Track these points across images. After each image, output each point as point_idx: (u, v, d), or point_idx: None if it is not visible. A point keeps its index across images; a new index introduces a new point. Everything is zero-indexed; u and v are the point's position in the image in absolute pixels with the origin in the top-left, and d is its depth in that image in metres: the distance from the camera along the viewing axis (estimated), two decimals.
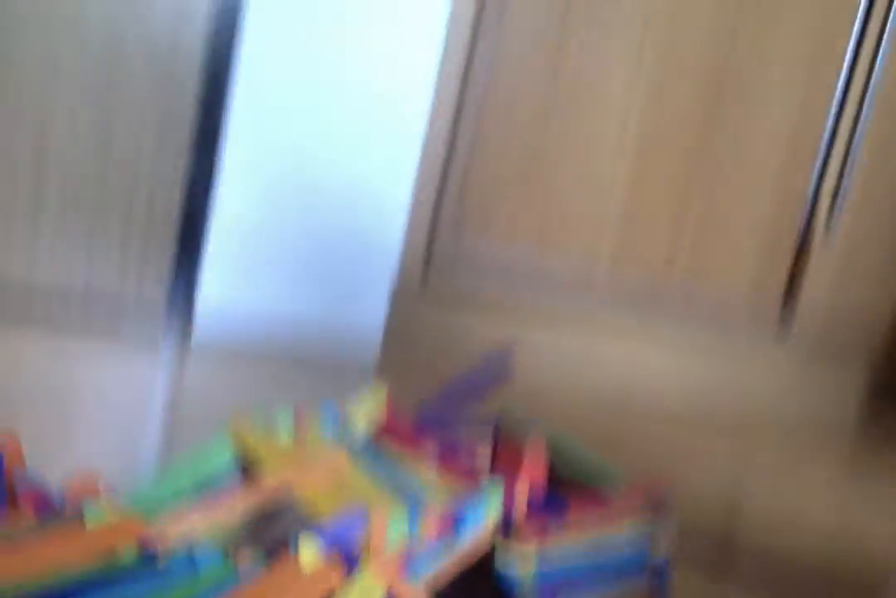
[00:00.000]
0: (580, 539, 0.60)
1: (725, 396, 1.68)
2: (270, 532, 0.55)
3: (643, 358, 1.62)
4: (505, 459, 0.71)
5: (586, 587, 0.60)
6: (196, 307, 1.23)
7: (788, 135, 1.66)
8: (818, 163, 1.69)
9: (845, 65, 1.66)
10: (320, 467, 0.59)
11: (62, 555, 0.44)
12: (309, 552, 0.50)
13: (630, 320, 1.60)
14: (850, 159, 1.72)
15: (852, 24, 1.64)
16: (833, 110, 1.68)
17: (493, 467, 0.70)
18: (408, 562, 0.53)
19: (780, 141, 1.66)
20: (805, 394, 1.77)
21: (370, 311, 1.36)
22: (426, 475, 0.60)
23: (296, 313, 1.30)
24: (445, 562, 0.55)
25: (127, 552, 0.47)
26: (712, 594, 0.78)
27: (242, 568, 0.48)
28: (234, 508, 0.56)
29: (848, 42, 1.64)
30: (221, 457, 0.61)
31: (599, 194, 1.54)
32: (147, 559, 0.46)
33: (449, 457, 0.63)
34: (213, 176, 1.23)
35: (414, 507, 0.55)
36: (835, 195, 1.72)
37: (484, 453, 0.71)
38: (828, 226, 1.72)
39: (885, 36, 1.65)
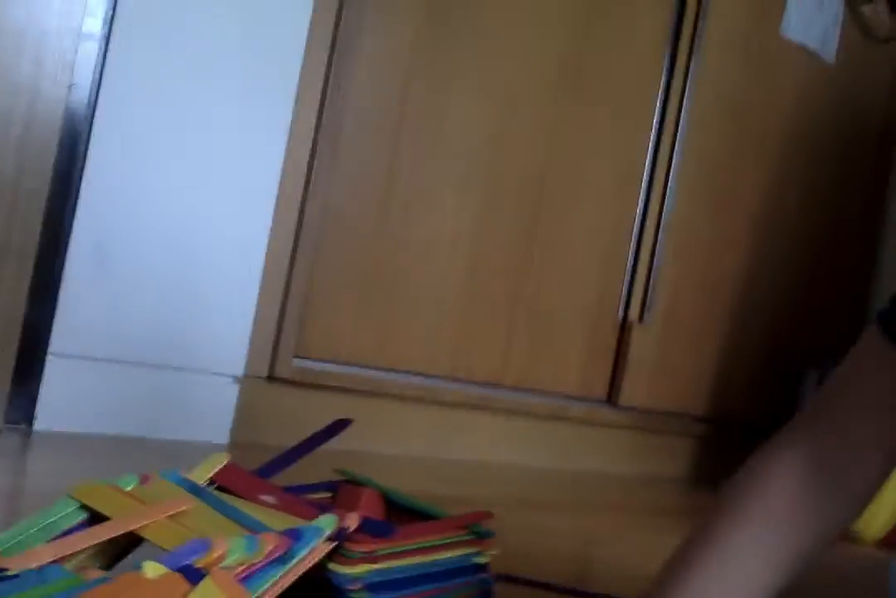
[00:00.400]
0: (409, 547, 0.67)
1: (563, 461, 1.79)
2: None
3: (484, 431, 1.71)
4: (343, 500, 0.79)
5: (416, 587, 0.68)
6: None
7: (601, 247, 1.88)
8: (629, 264, 1.91)
9: (643, 184, 1.91)
10: (165, 508, 0.65)
11: None
12: (152, 568, 0.56)
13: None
14: (654, 268, 1.95)
15: (648, 147, 1.89)
16: (637, 227, 1.91)
17: (334, 506, 0.78)
18: (249, 576, 0.59)
19: (593, 252, 1.87)
20: (638, 458, 1.91)
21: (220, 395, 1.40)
22: (262, 513, 0.67)
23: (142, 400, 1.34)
24: (285, 572, 0.61)
25: None
26: None
27: (90, 581, 0.53)
28: (84, 543, 0.61)
29: (646, 158, 1.90)
30: (65, 507, 0.66)
31: (434, 313, 1.67)
32: None
33: (286, 502, 0.70)
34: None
35: (253, 535, 0.61)
36: (646, 288, 1.93)
37: (324, 496, 0.78)
38: (642, 313, 1.92)
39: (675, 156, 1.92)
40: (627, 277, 1.93)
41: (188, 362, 1.38)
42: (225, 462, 0.75)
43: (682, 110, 1.95)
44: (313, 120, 1.50)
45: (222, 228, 1.42)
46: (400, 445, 1.61)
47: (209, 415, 1.39)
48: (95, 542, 0.62)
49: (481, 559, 0.74)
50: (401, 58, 1.61)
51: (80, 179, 1.33)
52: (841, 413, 0.64)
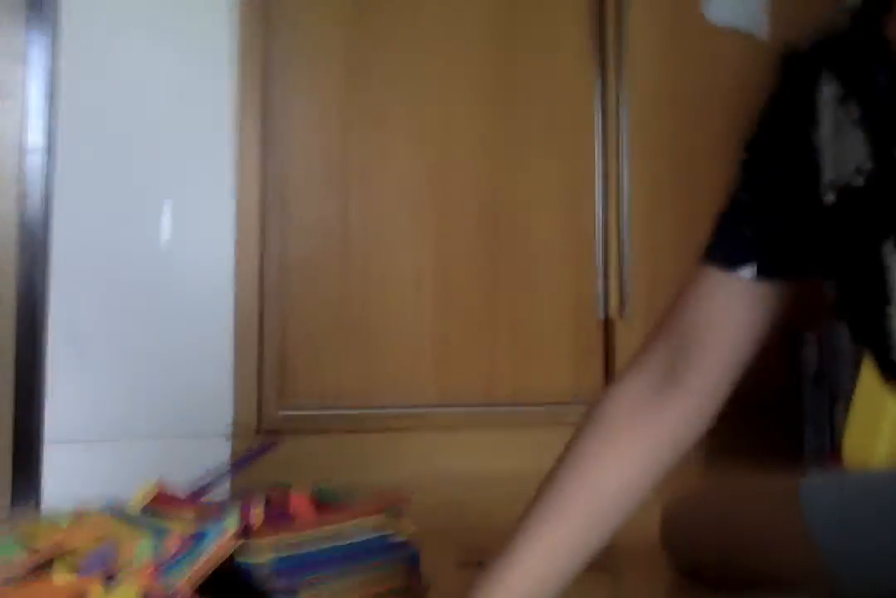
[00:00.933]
0: (316, 534, 0.74)
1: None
2: None
3: (480, 447, 1.75)
4: (276, 505, 0.85)
5: (329, 568, 0.73)
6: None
7: (567, 252, 1.93)
8: (599, 264, 1.96)
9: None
10: (88, 527, 0.72)
11: None
12: (61, 575, 0.63)
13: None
14: (624, 265, 2.00)
15: (594, 149, 1.96)
16: (599, 227, 1.97)
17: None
18: (159, 571, 0.66)
19: (561, 258, 1.93)
20: None
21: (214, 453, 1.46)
22: (177, 519, 0.74)
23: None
24: (194, 566, 0.68)
25: None
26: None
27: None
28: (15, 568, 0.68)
29: (594, 160, 1.96)
30: (6, 546, 0.73)
31: (411, 344, 1.73)
32: None
33: (203, 512, 0.77)
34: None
35: (158, 535, 0.68)
36: (621, 285, 1.97)
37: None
38: (622, 309, 1.96)
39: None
40: (601, 277, 1.98)
41: (178, 427, 1.46)
42: (155, 490, 0.82)
43: (621, 108, 2.01)
44: (257, 181, 1.60)
45: (187, 296, 1.51)
46: (398, 472, 1.66)
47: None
48: (27, 564, 0.69)
49: (400, 537, 0.79)
50: (332, 111, 1.71)
51: (46, 279, 1.43)
52: (674, 331, 0.69)
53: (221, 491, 1.47)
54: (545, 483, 0.67)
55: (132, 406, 1.44)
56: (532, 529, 0.65)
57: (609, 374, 1.95)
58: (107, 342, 1.45)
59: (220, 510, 0.75)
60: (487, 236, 1.87)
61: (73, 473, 1.38)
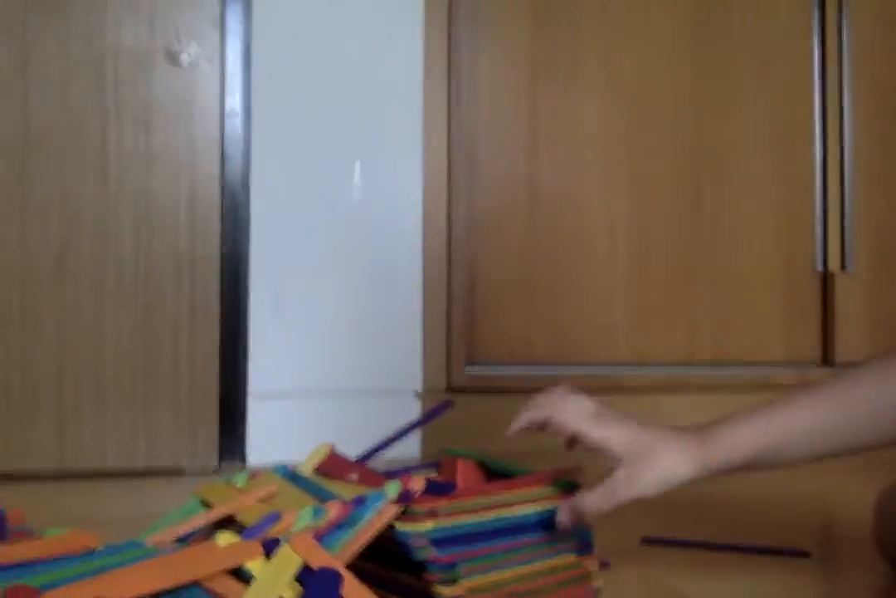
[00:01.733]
0: (479, 504, 0.72)
1: None
2: None
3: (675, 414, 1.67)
4: (444, 472, 0.84)
5: (491, 541, 0.71)
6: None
7: (779, 202, 1.80)
8: (817, 214, 1.81)
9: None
10: (257, 494, 0.74)
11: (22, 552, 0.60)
12: (224, 537, 0.64)
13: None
14: (847, 214, 1.84)
15: (812, 92, 1.80)
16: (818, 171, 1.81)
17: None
18: (320, 539, 0.67)
19: (771, 209, 1.80)
20: None
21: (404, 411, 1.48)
22: (342, 484, 0.74)
23: None
24: (354, 534, 0.67)
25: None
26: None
27: (162, 549, 0.62)
28: (190, 527, 0.71)
29: (812, 103, 1.81)
30: (191, 505, 0.77)
31: (604, 301, 1.68)
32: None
33: (367, 477, 0.77)
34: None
35: (322, 500, 0.69)
36: (842, 236, 1.81)
37: (428, 473, 0.84)
38: (843, 261, 1.80)
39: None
40: (819, 226, 1.83)
41: (370, 384, 1.50)
42: (327, 451, 0.83)
43: (843, 35, 1.83)
44: (444, 138, 1.58)
45: (378, 254, 1.53)
46: None
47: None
48: (199, 524, 0.72)
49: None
50: (520, 65, 1.66)
51: (248, 239, 1.49)
52: None
53: (410, 452, 1.51)
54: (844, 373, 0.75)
55: (328, 364, 1.49)
56: (815, 396, 0.75)
57: (827, 333, 1.81)
58: (303, 301, 1.50)
59: (382, 477, 0.75)
60: (688, 186, 1.76)
61: (274, 429, 1.44)
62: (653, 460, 0.73)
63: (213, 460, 1.40)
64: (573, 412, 0.79)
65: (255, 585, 0.60)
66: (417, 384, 1.52)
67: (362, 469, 0.78)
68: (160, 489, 1.29)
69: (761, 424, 0.75)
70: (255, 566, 0.62)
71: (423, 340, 1.53)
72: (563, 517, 0.74)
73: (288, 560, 0.63)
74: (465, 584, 0.69)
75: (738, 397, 1.74)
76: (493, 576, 0.71)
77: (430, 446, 1.51)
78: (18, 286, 1.36)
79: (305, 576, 0.62)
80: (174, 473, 1.36)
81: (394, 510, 0.70)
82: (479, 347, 1.59)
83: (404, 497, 0.70)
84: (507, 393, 1.58)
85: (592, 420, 0.78)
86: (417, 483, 0.71)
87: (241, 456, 1.44)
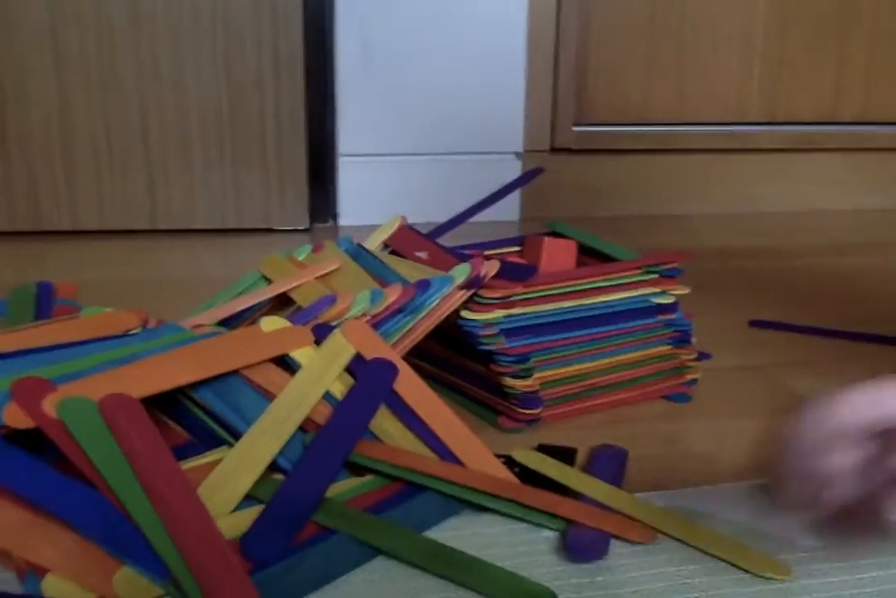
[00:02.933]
0: (558, 290, 0.63)
1: None
2: None
3: (812, 176, 1.52)
4: (528, 251, 0.76)
5: (570, 331, 0.64)
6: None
7: None
8: None
9: None
10: (314, 271, 0.68)
11: (60, 332, 0.56)
12: (271, 322, 0.59)
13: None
14: None
15: None
16: None
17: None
18: (377, 326, 0.60)
19: None
20: None
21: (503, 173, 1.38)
22: (408, 267, 0.67)
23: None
24: (414, 320, 0.61)
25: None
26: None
27: (201, 334, 0.57)
28: (243, 305, 0.66)
29: None
30: (252, 278, 0.71)
31: (739, 51, 1.46)
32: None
33: (437, 256, 0.69)
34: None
35: (379, 288, 0.62)
36: None
37: (510, 250, 0.76)
38: None
39: None
40: None
41: (468, 145, 1.38)
42: (397, 225, 0.75)
43: None
44: None
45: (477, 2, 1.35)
46: (707, 201, 1.49)
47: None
48: (252, 302, 0.67)
49: (664, 299, 0.67)
50: None
51: None
52: None
53: (509, 215, 1.42)
54: None
55: (421, 123, 1.37)
56: None
57: None
58: (397, 54, 1.36)
59: (454, 257, 0.67)
60: None
61: (366, 190, 1.37)
62: None
63: (304, 220, 1.35)
64: None
65: (300, 375, 0.55)
66: (518, 146, 1.40)
67: (433, 247, 0.70)
68: (251, 248, 1.26)
69: None
70: (302, 354, 0.57)
71: (527, 95, 1.38)
72: None
73: (339, 349, 0.58)
74: (539, 376, 0.63)
75: (882, 159, 1.58)
76: (572, 368, 0.65)
77: (531, 210, 1.41)
78: (95, 39, 1.27)
79: (357, 367, 0.57)
80: (264, 233, 1.33)
81: (461, 296, 0.62)
82: (589, 104, 1.43)
83: (474, 283, 0.62)
84: (619, 154, 1.44)
85: None
86: (490, 267, 0.63)
87: (333, 217, 1.39)
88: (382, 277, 0.66)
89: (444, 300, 0.62)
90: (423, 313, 0.61)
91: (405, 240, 0.73)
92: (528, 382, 0.62)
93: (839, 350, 0.83)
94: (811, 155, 1.51)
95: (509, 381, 0.62)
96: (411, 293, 0.61)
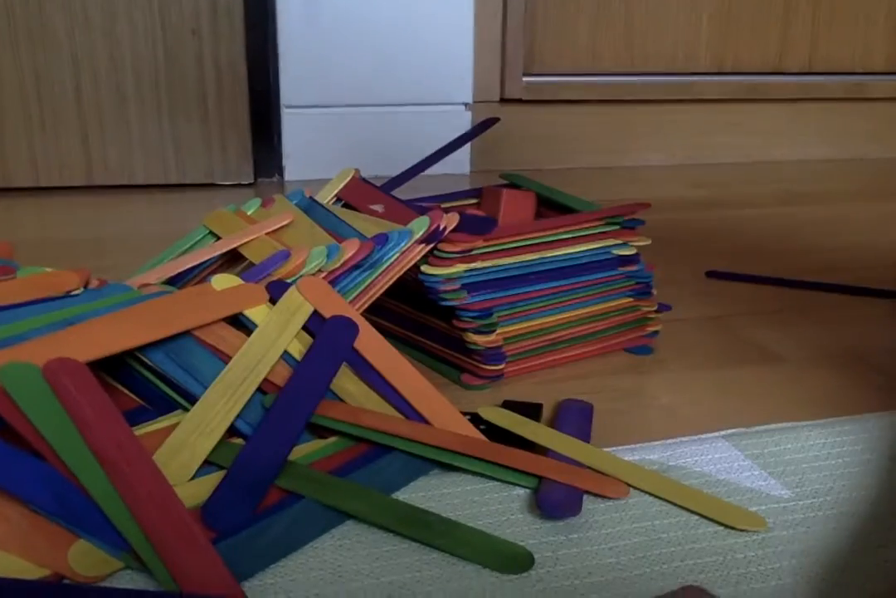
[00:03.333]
0: (518, 243, 0.62)
1: (857, 149, 1.56)
2: None
3: (759, 126, 1.52)
4: (486, 204, 0.74)
5: (532, 284, 0.63)
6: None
7: None
8: None
9: None
10: (265, 226, 0.65)
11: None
12: (222, 280, 0.56)
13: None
14: None
15: None
16: None
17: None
18: (334, 282, 0.58)
19: None
20: None
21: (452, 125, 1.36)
22: (363, 221, 0.64)
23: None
24: (372, 277, 0.59)
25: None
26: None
27: (149, 294, 0.54)
28: (189, 262, 0.63)
29: None
30: (199, 235, 0.68)
31: (686, 3, 1.44)
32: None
33: (393, 210, 0.66)
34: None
35: (335, 244, 0.59)
36: None
37: (467, 203, 0.74)
38: None
39: None
40: None
41: (416, 96, 1.35)
42: (349, 178, 0.73)
43: None
44: None
45: None
46: (657, 153, 1.48)
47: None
48: (201, 260, 0.64)
49: (625, 251, 0.66)
50: None
51: None
52: None
53: (460, 169, 1.40)
54: None
55: (370, 73, 1.33)
56: None
57: None
58: (341, 2, 1.31)
59: (411, 210, 0.65)
60: None
61: (312, 143, 1.33)
62: None
63: (248, 175, 1.31)
64: None
65: (256, 335, 0.53)
66: (467, 97, 1.37)
67: (389, 200, 0.68)
68: (194, 203, 1.22)
69: None
70: (257, 313, 0.55)
71: (476, 46, 1.35)
72: None
73: (296, 307, 0.55)
74: (501, 331, 0.62)
75: (826, 109, 1.58)
76: (534, 322, 0.63)
77: (482, 162, 1.39)
78: None
79: (316, 325, 0.55)
80: (208, 188, 1.29)
81: (420, 250, 0.60)
82: (537, 55, 1.41)
83: (433, 236, 0.60)
84: (570, 104, 1.42)
85: None
86: (450, 220, 0.61)
87: (279, 171, 1.35)
88: (337, 231, 0.63)
89: (403, 255, 0.60)
90: (382, 269, 0.59)
91: (359, 193, 0.71)
92: (491, 337, 0.61)
93: (796, 299, 0.83)
94: (759, 105, 1.51)
95: (472, 337, 0.60)
96: (369, 248, 0.59)
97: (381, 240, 0.59)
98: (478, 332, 0.60)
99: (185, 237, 0.70)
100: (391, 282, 0.60)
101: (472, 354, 0.62)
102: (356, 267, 0.59)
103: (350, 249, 0.59)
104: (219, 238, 0.68)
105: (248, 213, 0.70)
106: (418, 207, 0.65)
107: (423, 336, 0.65)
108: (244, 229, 0.66)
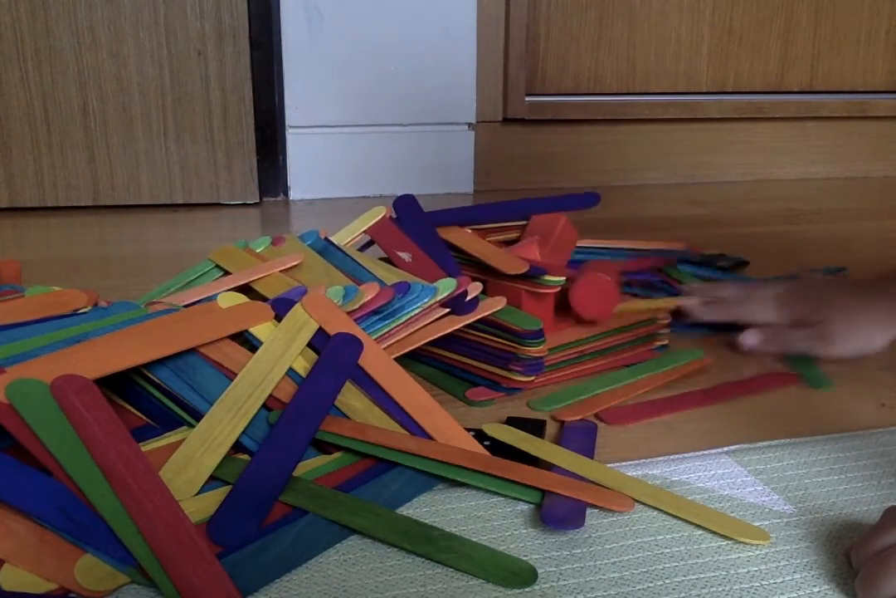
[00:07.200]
0: None
1: (860, 167, 1.57)
2: None
3: (761, 144, 1.53)
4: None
5: None
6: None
7: None
8: None
9: None
10: (277, 264, 0.65)
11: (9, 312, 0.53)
12: (228, 298, 0.56)
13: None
14: None
15: None
16: None
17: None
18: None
19: None
20: None
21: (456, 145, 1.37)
22: (384, 271, 0.64)
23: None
24: (390, 329, 0.59)
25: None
26: None
27: (155, 311, 0.55)
28: (198, 295, 0.63)
29: None
30: (204, 268, 0.69)
31: (686, 23, 1.46)
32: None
33: (420, 261, 0.66)
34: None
35: (353, 286, 0.59)
36: None
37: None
38: None
39: None
40: None
41: (420, 116, 1.36)
42: (379, 217, 0.73)
43: None
44: None
45: None
46: (659, 171, 1.49)
47: (449, 166, 1.38)
48: (211, 292, 0.64)
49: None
50: None
51: None
52: None
53: (464, 188, 1.40)
54: None
55: (374, 93, 1.34)
56: None
57: None
58: (345, 23, 1.32)
59: (439, 266, 0.64)
60: None
61: (317, 163, 1.34)
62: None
63: (254, 195, 1.32)
64: None
65: (262, 352, 0.53)
66: (471, 117, 1.38)
67: (418, 250, 0.67)
68: (199, 223, 1.23)
69: None
70: (263, 330, 0.55)
71: (478, 66, 1.36)
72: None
73: (301, 324, 0.56)
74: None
75: (828, 127, 1.59)
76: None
77: (485, 181, 1.40)
78: (28, 8, 1.22)
79: (321, 342, 0.55)
80: (213, 207, 1.30)
81: (441, 314, 0.60)
82: (540, 75, 1.42)
83: (458, 303, 0.59)
84: (572, 123, 1.43)
85: None
86: (473, 288, 0.61)
87: (284, 190, 1.36)
88: (355, 275, 0.63)
89: (424, 312, 0.59)
90: (401, 321, 0.58)
91: (388, 234, 0.70)
92: (542, 347, 0.62)
93: None
94: (760, 124, 1.52)
95: (524, 347, 0.61)
96: (389, 295, 0.58)
97: (403, 289, 0.59)
98: (531, 343, 0.61)
99: (189, 270, 0.70)
100: (409, 347, 0.59)
101: (512, 363, 0.62)
102: (374, 313, 0.58)
103: (369, 293, 0.58)
104: (227, 273, 0.68)
105: (258, 250, 0.70)
106: (448, 264, 0.65)
107: (440, 343, 0.65)
108: (255, 266, 0.66)
